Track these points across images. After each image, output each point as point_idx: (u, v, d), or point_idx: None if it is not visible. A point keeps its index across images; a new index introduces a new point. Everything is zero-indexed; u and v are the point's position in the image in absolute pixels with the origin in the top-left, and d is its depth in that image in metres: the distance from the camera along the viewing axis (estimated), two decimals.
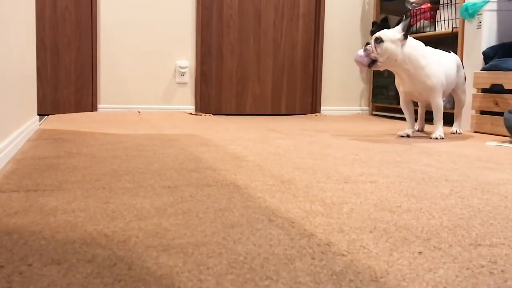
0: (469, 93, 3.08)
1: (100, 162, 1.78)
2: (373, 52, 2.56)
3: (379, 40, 2.56)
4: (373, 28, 4.29)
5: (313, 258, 0.87)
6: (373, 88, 4.48)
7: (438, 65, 2.66)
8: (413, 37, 3.90)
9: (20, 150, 2.03)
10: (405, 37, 2.58)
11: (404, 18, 2.61)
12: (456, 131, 2.95)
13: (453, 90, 2.90)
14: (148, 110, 4.09)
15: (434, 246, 0.95)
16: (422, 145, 2.44)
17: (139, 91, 4.07)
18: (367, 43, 2.61)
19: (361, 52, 2.60)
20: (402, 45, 2.58)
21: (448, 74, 2.72)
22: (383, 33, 2.58)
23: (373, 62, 2.59)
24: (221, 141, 2.40)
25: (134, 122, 3.26)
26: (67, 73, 3.91)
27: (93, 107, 3.98)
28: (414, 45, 2.63)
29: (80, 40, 3.92)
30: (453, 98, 3.01)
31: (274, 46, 4.34)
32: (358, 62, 2.63)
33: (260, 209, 1.19)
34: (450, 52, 2.86)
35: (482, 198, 1.36)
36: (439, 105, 2.70)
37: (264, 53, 4.32)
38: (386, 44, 2.55)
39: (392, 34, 2.57)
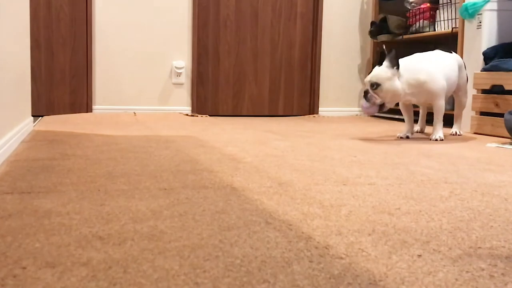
0: (469, 94, 3.07)
1: (95, 163, 1.77)
2: (377, 98, 2.52)
3: (375, 86, 2.51)
4: (372, 28, 4.29)
5: (311, 261, 0.87)
6: None
7: (437, 70, 2.62)
8: (413, 38, 3.95)
9: (14, 151, 2.02)
10: (397, 68, 2.53)
11: (387, 52, 2.56)
12: (456, 133, 2.94)
13: (455, 91, 2.86)
14: (144, 111, 4.08)
15: (433, 249, 0.95)
16: (421, 146, 2.44)
17: (134, 92, 4.06)
18: (366, 92, 2.54)
19: (365, 103, 2.54)
20: (398, 76, 2.54)
21: (449, 76, 2.69)
22: (376, 77, 2.52)
23: (381, 106, 2.55)
24: (218, 143, 2.40)
25: (129, 123, 3.25)
26: (61, 73, 3.89)
27: (88, 108, 3.97)
28: (408, 67, 2.58)
29: (75, 40, 3.90)
30: (453, 99, 2.99)
31: (272, 46, 4.33)
32: (366, 112, 2.59)
33: (257, 211, 1.18)
34: (451, 53, 2.83)
35: (482, 200, 1.36)
36: (441, 107, 2.69)
37: (261, 54, 4.31)
38: (385, 86, 2.51)
39: (385, 73, 2.52)
